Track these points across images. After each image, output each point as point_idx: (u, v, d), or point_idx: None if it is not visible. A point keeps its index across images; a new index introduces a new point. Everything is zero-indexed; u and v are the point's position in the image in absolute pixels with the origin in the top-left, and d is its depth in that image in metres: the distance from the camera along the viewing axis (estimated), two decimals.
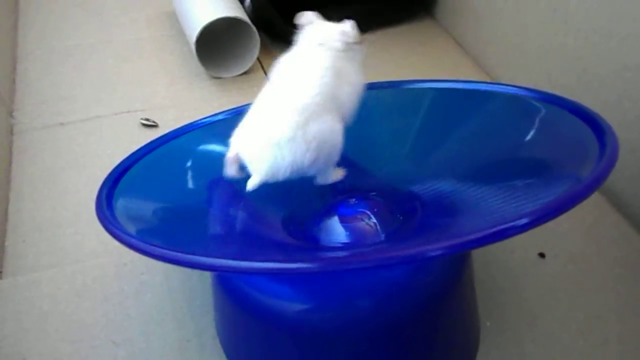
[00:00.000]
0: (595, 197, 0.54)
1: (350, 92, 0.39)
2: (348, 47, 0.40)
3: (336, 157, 0.38)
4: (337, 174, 0.40)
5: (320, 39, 0.40)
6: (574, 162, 0.35)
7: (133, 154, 0.40)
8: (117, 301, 0.45)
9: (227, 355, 0.41)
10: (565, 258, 0.48)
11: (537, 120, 0.41)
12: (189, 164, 0.40)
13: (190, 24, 0.66)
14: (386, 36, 0.79)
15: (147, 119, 0.61)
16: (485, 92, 0.45)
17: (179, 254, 0.28)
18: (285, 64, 0.40)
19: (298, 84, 0.38)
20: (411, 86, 0.49)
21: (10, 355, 0.41)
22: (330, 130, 0.37)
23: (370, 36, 0.77)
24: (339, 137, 0.38)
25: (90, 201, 0.37)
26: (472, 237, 0.28)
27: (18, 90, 0.64)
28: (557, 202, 0.28)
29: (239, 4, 0.70)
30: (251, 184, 0.35)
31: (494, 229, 0.27)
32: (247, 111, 0.40)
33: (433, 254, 0.28)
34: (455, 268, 0.38)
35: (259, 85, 0.71)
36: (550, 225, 0.50)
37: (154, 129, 0.60)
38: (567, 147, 0.37)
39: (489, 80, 0.69)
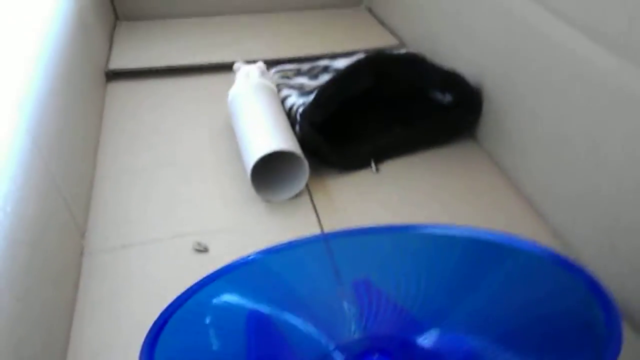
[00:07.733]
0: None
1: None
2: None
3: None
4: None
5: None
6: (582, 343, 0.36)
7: (167, 308, 0.45)
8: None
9: None
10: None
11: (554, 288, 0.42)
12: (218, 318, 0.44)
13: (247, 152, 0.72)
14: (426, 156, 0.82)
15: (198, 244, 0.66)
16: (509, 248, 0.47)
17: None
18: None
19: None
20: (439, 232, 0.51)
21: None
22: None
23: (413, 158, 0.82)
24: None
25: (142, 327, 0.42)
26: None
27: (91, 212, 0.72)
28: None
29: (292, 132, 0.76)
30: None
31: None
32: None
33: None
34: None
35: (306, 209, 0.76)
36: None
37: (204, 254, 0.65)
38: (576, 324, 0.38)
39: (511, 234, 0.70)
